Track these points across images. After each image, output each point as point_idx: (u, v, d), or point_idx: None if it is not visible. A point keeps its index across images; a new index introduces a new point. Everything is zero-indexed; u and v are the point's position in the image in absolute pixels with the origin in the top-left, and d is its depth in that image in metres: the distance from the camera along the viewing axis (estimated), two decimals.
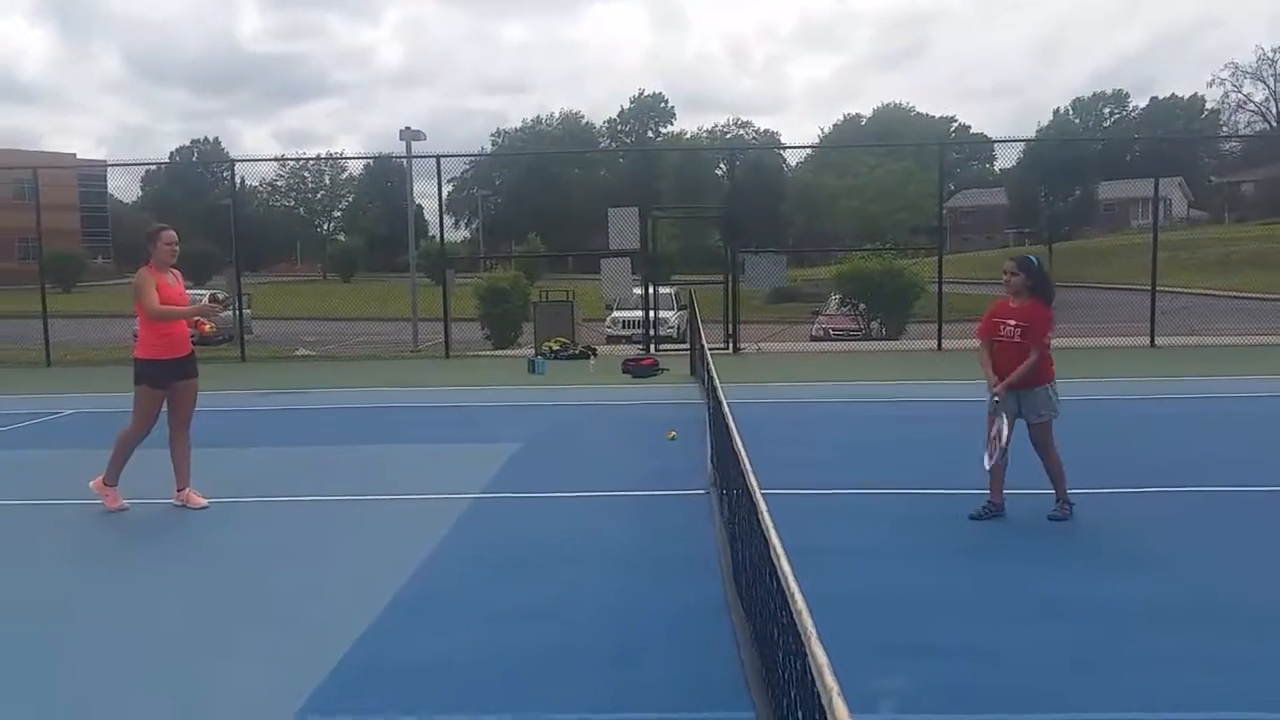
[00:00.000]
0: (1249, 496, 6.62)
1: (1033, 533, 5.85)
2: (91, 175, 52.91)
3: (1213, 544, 5.64)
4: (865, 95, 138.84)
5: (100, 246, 60.19)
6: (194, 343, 6.83)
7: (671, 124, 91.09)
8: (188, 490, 6.69)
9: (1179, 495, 6.63)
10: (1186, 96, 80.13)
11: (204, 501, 6.64)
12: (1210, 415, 10.08)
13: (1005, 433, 5.99)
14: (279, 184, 74.52)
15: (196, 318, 6.82)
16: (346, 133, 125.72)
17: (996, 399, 6.06)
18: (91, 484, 6.56)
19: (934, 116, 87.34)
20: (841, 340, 19.79)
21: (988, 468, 6.03)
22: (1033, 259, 6.28)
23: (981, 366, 6.26)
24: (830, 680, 1.66)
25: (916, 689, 3.77)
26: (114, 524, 6.37)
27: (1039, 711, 3.61)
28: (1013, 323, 6.05)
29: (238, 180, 22.13)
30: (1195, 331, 18.77)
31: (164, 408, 6.60)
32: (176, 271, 6.70)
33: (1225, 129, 74.98)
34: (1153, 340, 16.41)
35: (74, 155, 65.53)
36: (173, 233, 6.63)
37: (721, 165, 59.25)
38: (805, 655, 1.92)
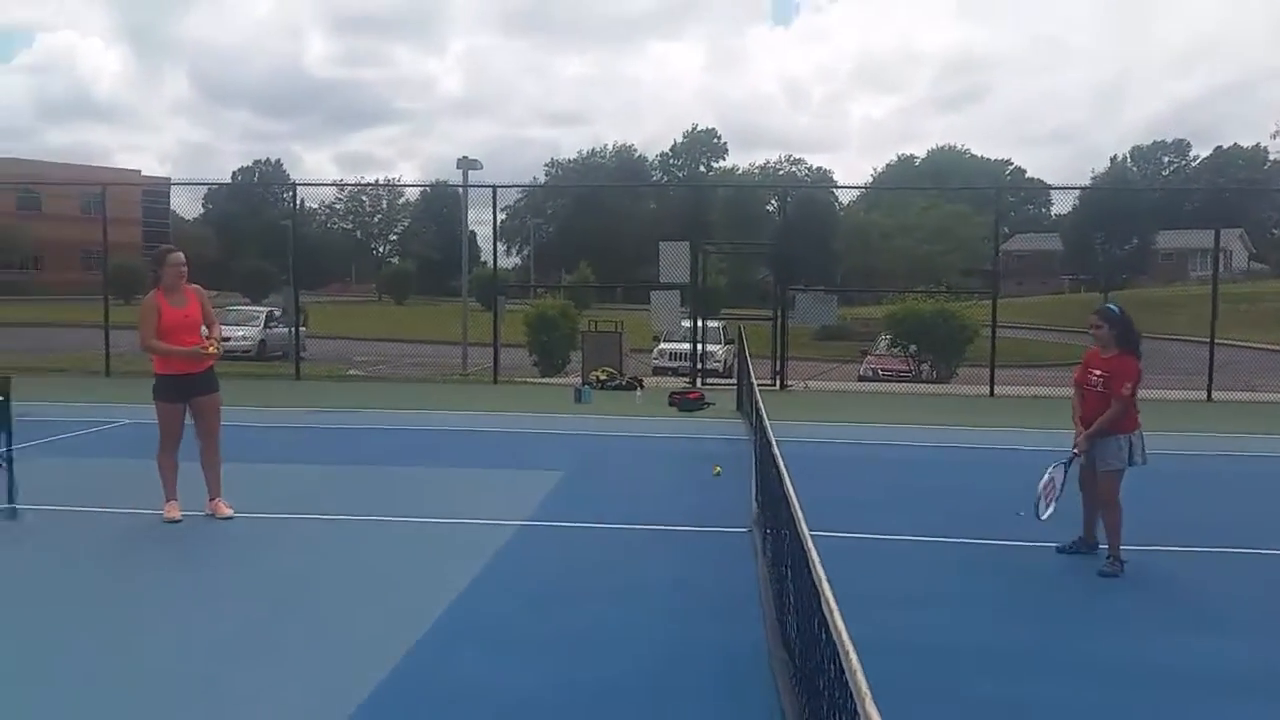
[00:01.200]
0: None
1: (1087, 588, 5.72)
2: (155, 192, 54.31)
3: (1271, 609, 5.48)
4: (921, 136, 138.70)
5: (150, 260, 61.50)
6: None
7: (724, 159, 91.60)
8: (217, 500, 6.88)
9: (1232, 557, 6.45)
10: (1249, 146, 78.88)
11: (230, 511, 6.82)
12: (1267, 475, 9.82)
13: (1058, 480, 5.97)
14: (337, 206, 75.99)
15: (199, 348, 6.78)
16: (405, 158, 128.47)
17: (1075, 453, 6.06)
18: (164, 518, 6.69)
19: (989, 159, 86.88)
20: (890, 381, 19.60)
21: (1042, 518, 5.97)
22: (1113, 309, 6.24)
23: (1072, 416, 6.31)
24: None
25: None
26: (162, 536, 6.47)
27: None
28: (1098, 373, 6.07)
29: (298, 201, 22.56)
30: (1253, 387, 18.31)
31: (189, 422, 6.81)
32: (194, 289, 6.84)
33: None
34: (1209, 394, 16.04)
35: (139, 172, 67.45)
36: (180, 255, 6.83)
37: (773, 201, 59.31)
38: (856, 713, 1.90)
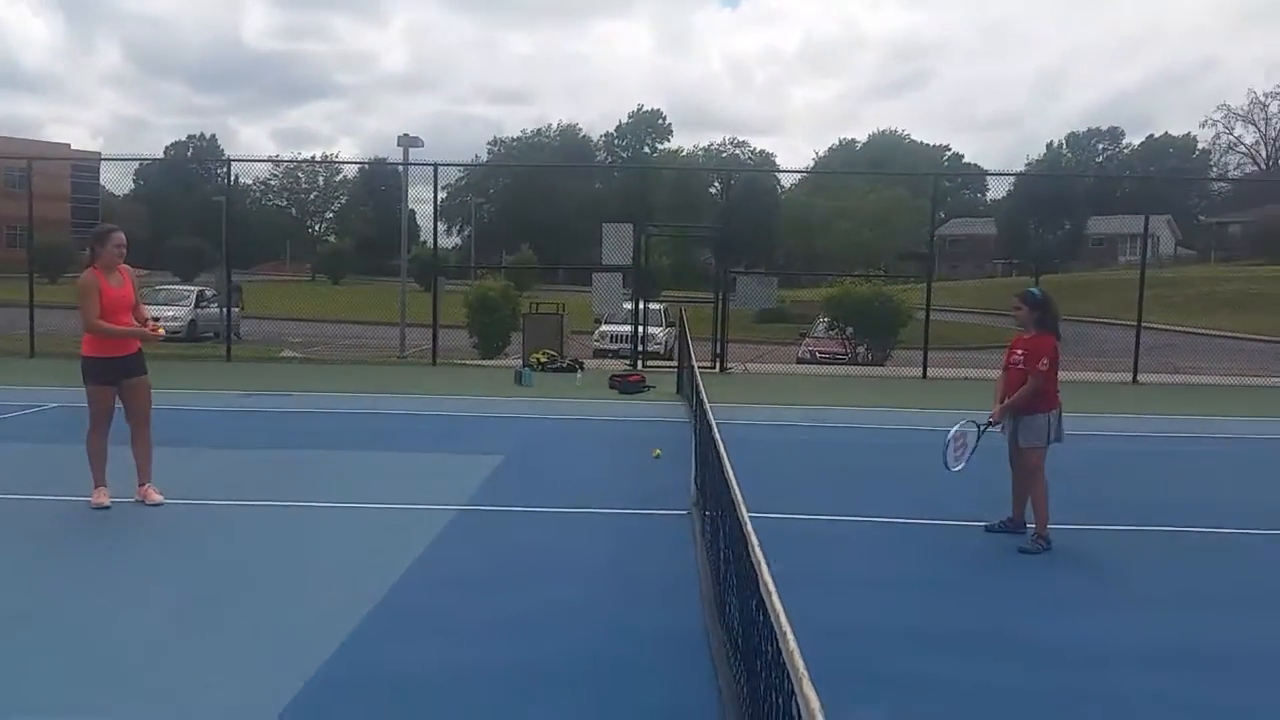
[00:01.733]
0: (1228, 539, 6.67)
1: (1015, 568, 5.87)
2: (85, 167, 52.69)
3: (1191, 586, 5.67)
4: (864, 120, 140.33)
5: (89, 238, 59.84)
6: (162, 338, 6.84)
7: (668, 141, 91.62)
8: (147, 486, 6.74)
9: (1157, 535, 6.67)
10: (1180, 135, 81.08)
11: (160, 498, 6.69)
12: (1191, 455, 10.15)
13: (969, 441, 6.20)
14: (272, 183, 74.49)
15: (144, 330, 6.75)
16: (346, 134, 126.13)
17: (991, 421, 6.24)
18: (91, 503, 6.52)
19: (928, 145, 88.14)
20: (828, 363, 19.84)
21: (952, 469, 6.13)
22: (1034, 291, 6.42)
23: (995, 392, 6.48)
24: None
25: None
26: (90, 522, 6.32)
27: None
28: (1020, 353, 6.26)
29: (232, 178, 22.07)
30: (1178, 369, 18.90)
31: (118, 405, 6.65)
32: (125, 268, 6.69)
33: (1215, 170, 75.85)
34: (1135, 376, 16.52)
35: (68, 146, 65.33)
36: (122, 234, 6.66)
37: (716, 184, 59.52)
38: (793, 695, 1.93)
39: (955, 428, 6.26)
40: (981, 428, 6.29)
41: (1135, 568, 5.99)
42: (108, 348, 6.55)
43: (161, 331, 6.92)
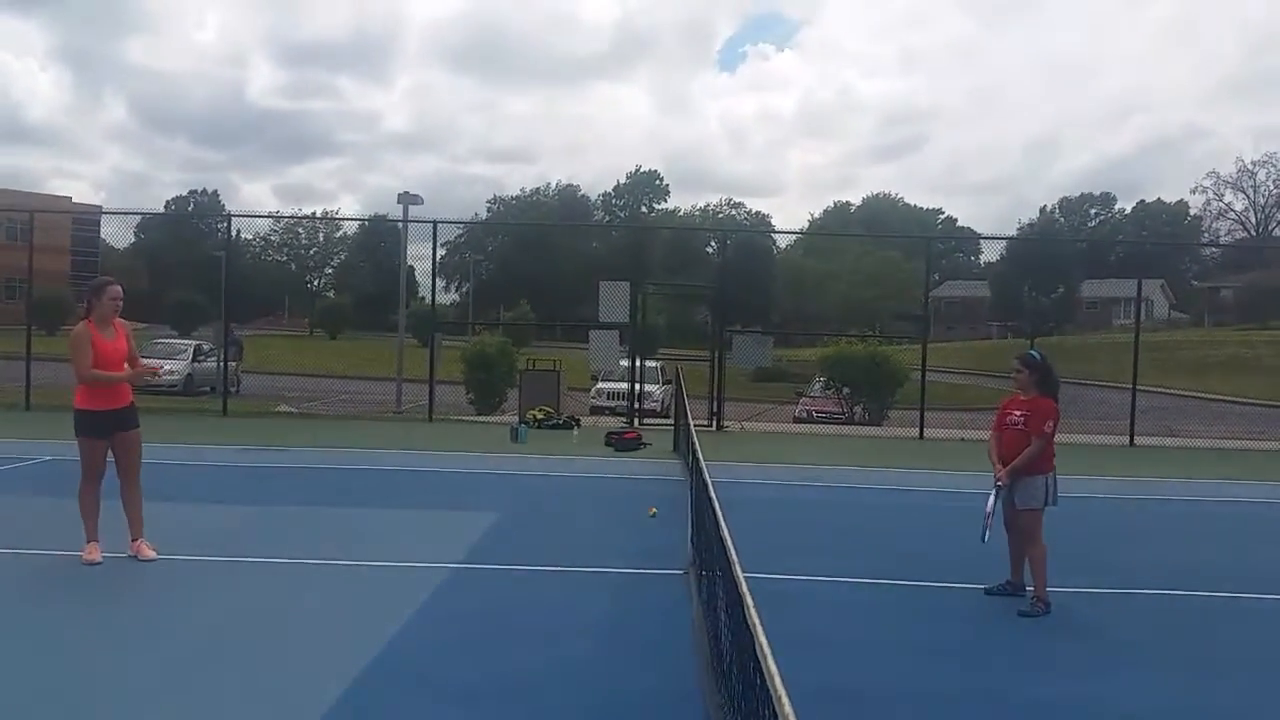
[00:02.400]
0: (1228, 603, 6.63)
1: (1014, 631, 5.82)
2: (86, 220, 53.01)
3: (1192, 649, 5.63)
4: (860, 183, 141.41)
5: (86, 291, 60.01)
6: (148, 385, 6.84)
7: (665, 201, 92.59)
8: (140, 542, 6.68)
9: (1157, 598, 6.63)
10: (1173, 201, 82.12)
11: (153, 554, 6.63)
12: (1188, 518, 10.13)
13: (991, 502, 6.10)
14: (272, 238, 74.99)
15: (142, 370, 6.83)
16: (348, 191, 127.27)
17: (999, 484, 6.18)
18: (82, 559, 6.46)
19: (921, 208, 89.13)
20: (824, 423, 19.84)
21: (983, 540, 6.08)
22: (1035, 354, 6.43)
23: (989, 455, 6.42)
24: None
25: None
26: (81, 578, 6.26)
27: None
28: (1019, 413, 6.25)
29: (233, 233, 22.25)
30: (1173, 432, 18.93)
31: (110, 458, 6.62)
32: (121, 322, 6.72)
33: (1207, 235, 76.71)
34: (1132, 439, 16.54)
35: (70, 199, 65.78)
36: (119, 288, 6.70)
37: (712, 244, 59.93)
38: None
39: (991, 500, 6.19)
40: (997, 491, 6.24)
41: (1135, 631, 5.94)
42: (100, 400, 6.53)
43: (160, 367, 6.98)
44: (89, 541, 6.51)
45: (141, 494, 6.77)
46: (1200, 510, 10.59)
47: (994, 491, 6.20)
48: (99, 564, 6.42)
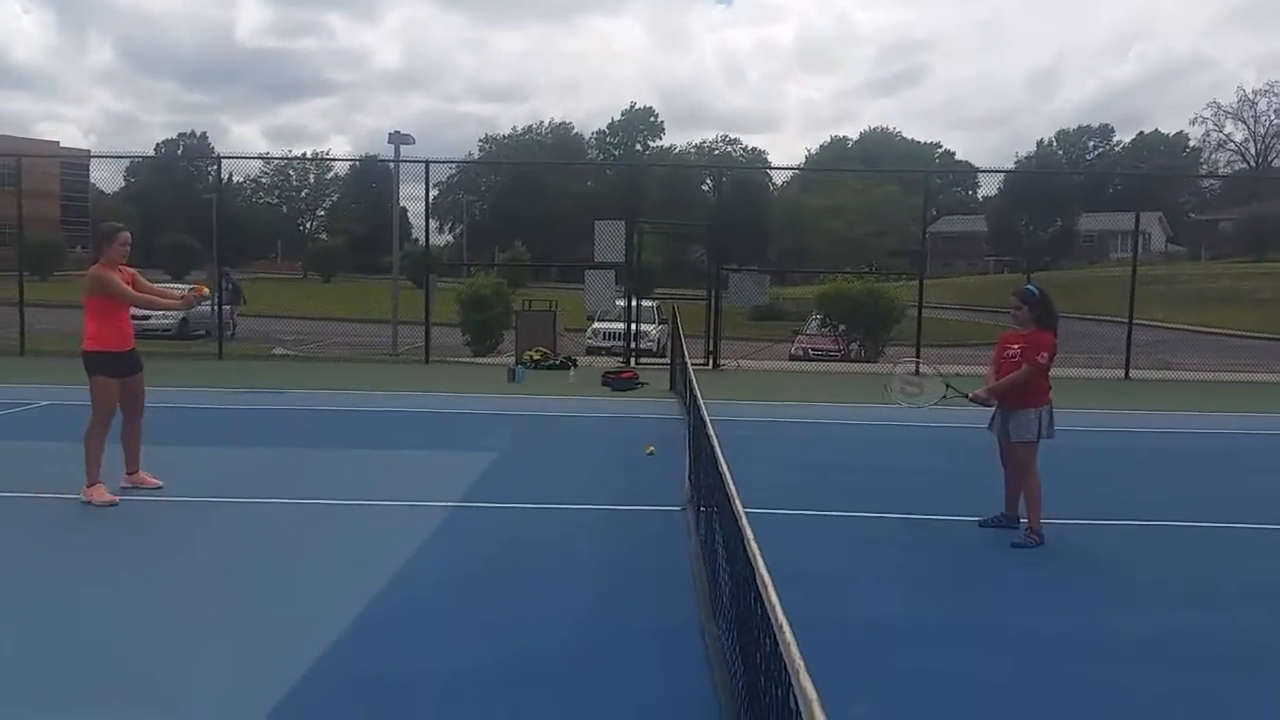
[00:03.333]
0: (1222, 532, 6.69)
1: (1007, 562, 5.88)
2: (74, 164, 52.46)
3: (1186, 579, 5.69)
4: (858, 118, 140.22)
5: (79, 236, 59.59)
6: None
7: (661, 138, 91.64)
8: (141, 473, 6.85)
9: (1151, 529, 6.69)
10: (1172, 133, 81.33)
11: (157, 481, 6.86)
12: (1183, 450, 10.19)
13: (925, 376, 6.60)
14: (263, 180, 74.35)
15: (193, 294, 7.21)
16: (338, 132, 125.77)
17: (972, 397, 6.35)
18: (81, 497, 6.51)
19: (920, 142, 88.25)
20: (820, 360, 19.86)
21: (897, 401, 6.59)
22: (1033, 289, 6.37)
23: (985, 381, 6.47)
24: (820, 716, 1.66)
25: (888, 716, 3.77)
26: (83, 519, 6.29)
27: None
28: (1017, 346, 6.23)
29: (224, 176, 22.00)
30: (1169, 366, 18.97)
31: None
32: (125, 269, 6.78)
33: (1206, 167, 76.13)
34: (1127, 373, 16.58)
35: (57, 143, 65.09)
36: (128, 234, 6.76)
37: (708, 181, 59.39)
38: (790, 687, 1.93)
39: (920, 370, 6.42)
40: (953, 392, 6.37)
41: (1129, 562, 6.01)
42: (114, 341, 6.63)
43: (205, 290, 7.41)
44: (95, 484, 6.53)
45: (140, 433, 6.90)
46: (1196, 442, 10.66)
47: (948, 385, 6.43)
48: (116, 504, 6.48)
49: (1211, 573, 5.84)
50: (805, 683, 1.82)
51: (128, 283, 6.71)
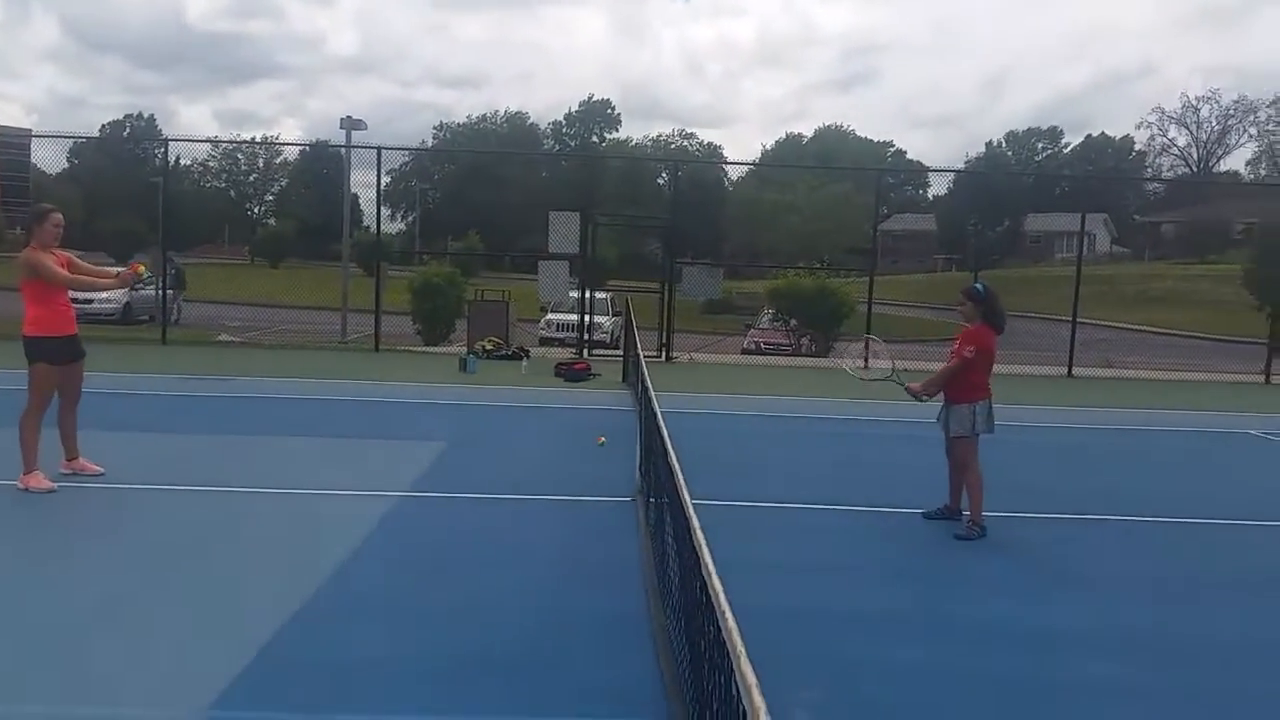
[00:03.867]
0: (1158, 527, 6.87)
1: (951, 553, 5.99)
2: (15, 143, 50.99)
3: (1123, 571, 5.84)
4: (813, 115, 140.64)
5: (19, 217, 58.02)
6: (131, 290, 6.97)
7: (617, 130, 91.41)
8: (80, 459, 6.77)
9: (1090, 523, 6.85)
10: (1118, 137, 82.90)
11: (98, 468, 6.78)
12: (1123, 446, 10.43)
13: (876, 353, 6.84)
14: (211, 164, 73.01)
15: (125, 275, 6.99)
16: (291, 116, 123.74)
17: (908, 388, 6.55)
18: (19, 485, 6.37)
19: (872, 140, 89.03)
20: (772, 354, 20.02)
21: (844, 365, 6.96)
22: (979, 286, 6.51)
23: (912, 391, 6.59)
24: (758, 700, 1.69)
25: (831, 703, 3.83)
26: (18, 507, 6.15)
27: None
28: (959, 342, 6.35)
29: (171, 159, 21.59)
30: (1111, 364, 19.40)
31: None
32: (59, 252, 6.64)
33: (1150, 171, 77.73)
34: (1070, 370, 16.93)
35: None
36: (60, 215, 6.63)
37: (664, 175, 59.57)
38: (732, 671, 1.96)
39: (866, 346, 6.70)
40: (896, 380, 6.63)
41: (1068, 554, 6.14)
42: (55, 327, 6.52)
43: (141, 268, 7.15)
44: (32, 470, 6.40)
45: (76, 420, 6.80)
46: (1136, 439, 10.91)
47: (896, 377, 6.70)
48: (54, 490, 6.35)
49: (1149, 566, 6.00)
50: (745, 668, 1.85)
51: (63, 265, 6.56)
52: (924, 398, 6.49)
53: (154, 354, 15.32)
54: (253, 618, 4.39)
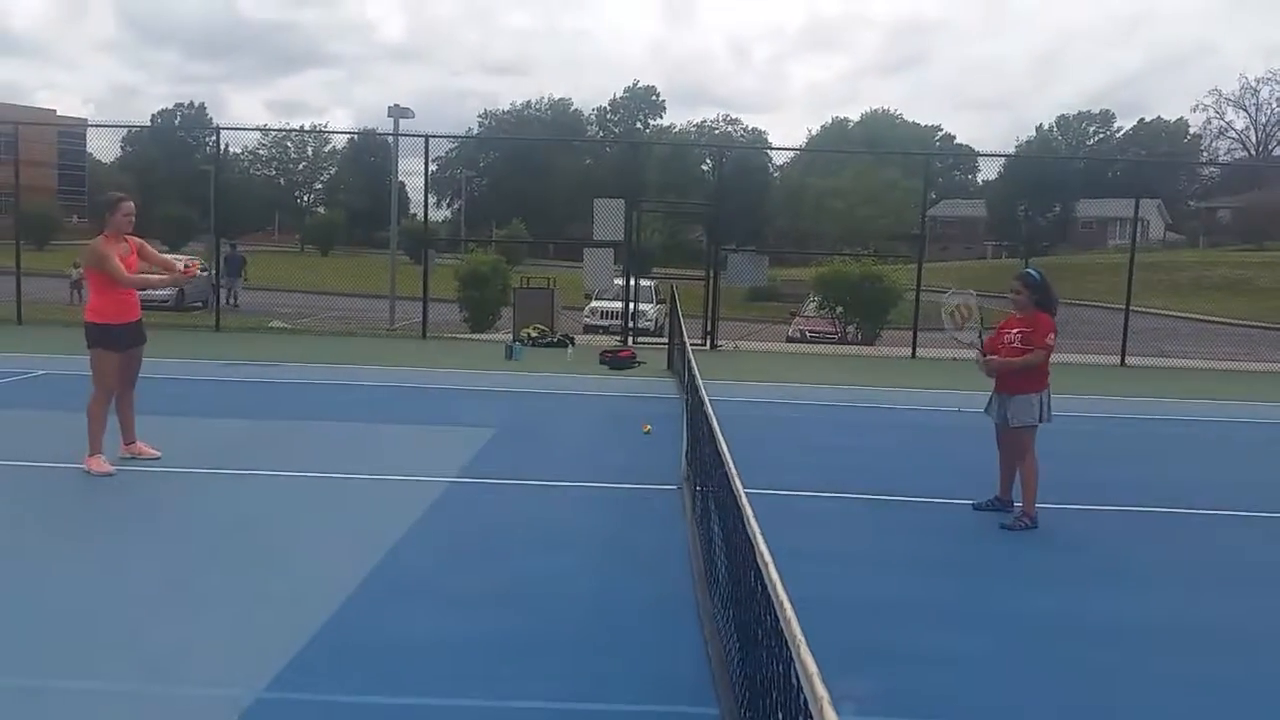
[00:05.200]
0: (1214, 519, 6.75)
1: (1002, 545, 5.92)
2: (71, 133, 52.09)
3: (1176, 564, 5.75)
4: (862, 100, 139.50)
5: (76, 205, 59.37)
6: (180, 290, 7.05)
7: (662, 117, 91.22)
8: (139, 443, 6.89)
9: (1144, 515, 6.74)
10: (1173, 120, 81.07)
11: (156, 452, 6.90)
12: (1177, 437, 10.24)
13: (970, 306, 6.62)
14: (261, 153, 73.97)
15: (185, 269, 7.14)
16: (340, 105, 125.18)
17: (982, 354, 6.39)
18: (85, 467, 6.54)
19: (920, 124, 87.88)
20: (817, 342, 19.89)
21: (950, 333, 6.70)
22: (1034, 274, 6.36)
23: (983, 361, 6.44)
24: (820, 689, 1.70)
25: (880, 693, 3.82)
26: (82, 490, 6.32)
27: None
28: (1015, 331, 6.22)
29: (222, 147, 21.91)
30: (1165, 353, 19.04)
31: None
32: (130, 238, 6.77)
33: (1206, 155, 75.94)
34: (1124, 359, 16.64)
35: (54, 112, 64.68)
36: (131, 203, 6.74)
37: (708, 161, 59.26)
38: (791, 660, 1.96)
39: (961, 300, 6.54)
40: (981, 338, 6.47)
41: (1121, 546, 6.05)
42: (118, 314, 6.64)
43: (197, 268, 7.29)
44: (96, 453, 6.57)
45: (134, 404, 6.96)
46: (1191, 430, 10.71)
47: (978, 329, 6.54)
48: (112, 475, 6.50)
49: (1202, 560, 5.89)
50: (807, 657, 1.86)
51: (133, 251, 6.73)
52: (987, 370, 6.33)
53: (208, 340, 15.60)
54: (306, 600, 4.47)
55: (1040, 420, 6.17)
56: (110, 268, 6.51)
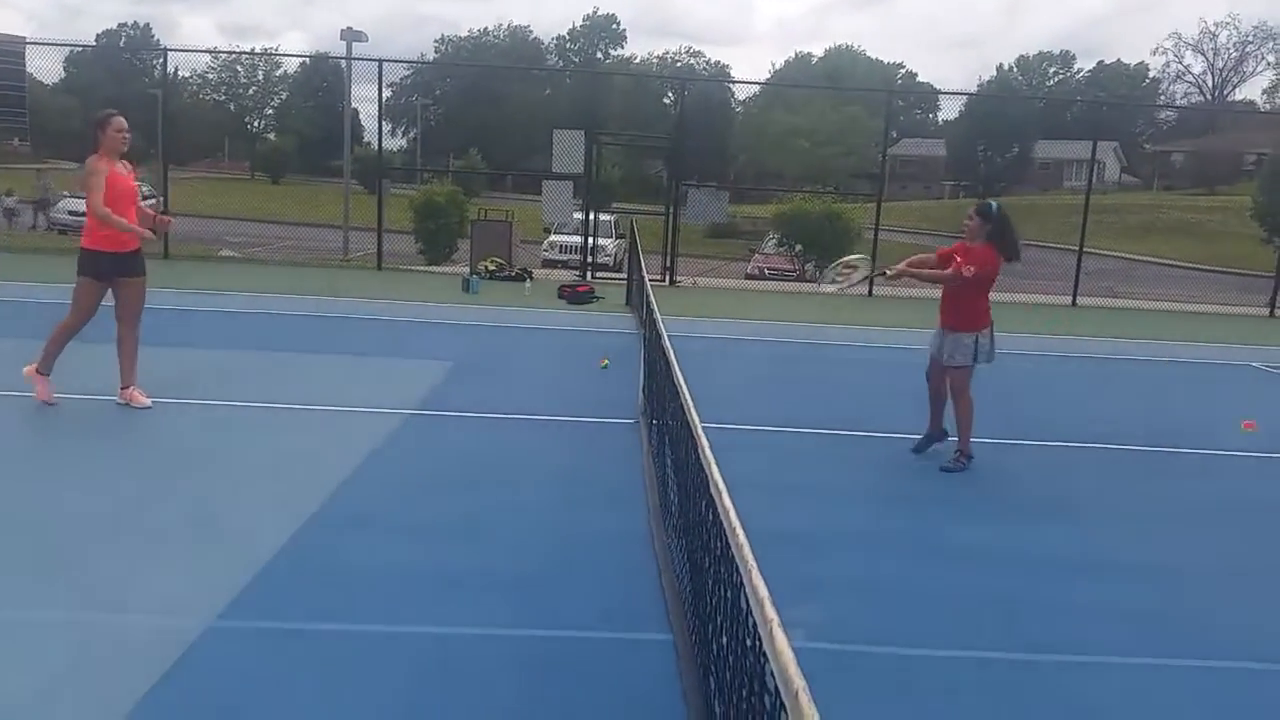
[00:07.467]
0: (1155, 456, 6.93)
1: (945, 478, 6.04)
2: (9, 51, 50.10)
3: (1115, 499, 5.90)
4: (829, 34, 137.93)
5: (16, 128, 57.33)
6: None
7: (622, 47, 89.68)
8: (132, 389, 6.59)
9: (1086, 451, 6.90)
10: (1133, 63, 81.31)
11: (147, 401, 6.56)
12: (1124, 376, 10.45)
13: (858, 265, 6.80)
14: (210, 76, 71.80)
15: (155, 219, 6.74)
16: (296, 27, 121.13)
17: (884, 272, 6.64)
18: (24, 370, 6.39)
19: (883, 62, 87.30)
20: (776, 280, 19.94)
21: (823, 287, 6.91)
22: (992, 204, 6.27)
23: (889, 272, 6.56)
24: (770, 612, 1.72)
25: (822, 621, 3.90)
26: (35, 419, 6.20)
27: (946, 649, 3.77)
28: (960, 259, 6.10)
29: (170, 70, 21.25)
30: (1116, 294, 19.35)
31: (109, 303, 6.49)
32: (126, 162, 6.47)
33: (1164, 98, 76.42)
34: (1075, 299, 16.89)
35: None
36: (122, 119, 6.37)
37: (669, 95, 58.64)
38: (741, 586, 1.99)
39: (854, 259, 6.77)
40: (878, 274, 6.77)
41: (1063, 483, 6.20)
42: (110, 242, 6.32)
43: (170, 221, 7.02)
44: (41, 373, 6.38)
45: (138, 343, 6.65)
46: (1138, 369, 10.93)
47: (868, 262, 6.85)
48: (54, 405, 6.35)
49: (1141, 496, 6.06)
50: (758, 582, 1.88)
51: (132, 174, 6.44)
52: (888, 273, 6.48)
53: (156, 269, 15.21)
54: (260, 529, 4.45)
55: (977, 361, 6.13)
56: (90, 193, 6.19)
